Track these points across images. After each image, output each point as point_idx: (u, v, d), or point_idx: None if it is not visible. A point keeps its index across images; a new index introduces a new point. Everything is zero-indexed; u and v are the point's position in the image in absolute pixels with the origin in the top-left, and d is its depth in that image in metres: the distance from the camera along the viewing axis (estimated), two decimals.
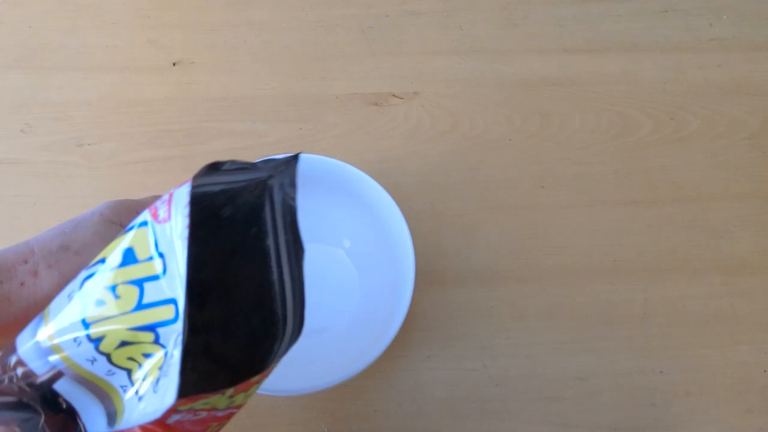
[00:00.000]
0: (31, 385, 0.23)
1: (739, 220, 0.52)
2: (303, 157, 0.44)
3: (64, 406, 0.23)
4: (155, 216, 0.22)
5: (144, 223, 0.22)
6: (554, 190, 0.53)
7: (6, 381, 0.23)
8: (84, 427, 0.23)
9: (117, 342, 0.22)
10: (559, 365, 0.47)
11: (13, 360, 0.23)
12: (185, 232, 0.21)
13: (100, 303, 0.22)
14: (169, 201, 0.22)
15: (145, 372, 0.22)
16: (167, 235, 0.22)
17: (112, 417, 0.23)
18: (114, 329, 0.22)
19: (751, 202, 0.53)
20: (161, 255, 0.22)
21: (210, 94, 0.57)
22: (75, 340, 0.22)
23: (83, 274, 0.23)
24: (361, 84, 0.57)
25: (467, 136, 0.55)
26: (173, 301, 0.21)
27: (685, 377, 0.47)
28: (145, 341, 0.22)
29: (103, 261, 0.23)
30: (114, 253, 0.22)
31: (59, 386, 0.23)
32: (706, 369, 0.47)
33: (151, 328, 0.22)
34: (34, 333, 0.23)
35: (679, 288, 0.50)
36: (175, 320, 0.21)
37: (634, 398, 0.46)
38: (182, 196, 0.22)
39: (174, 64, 0.58)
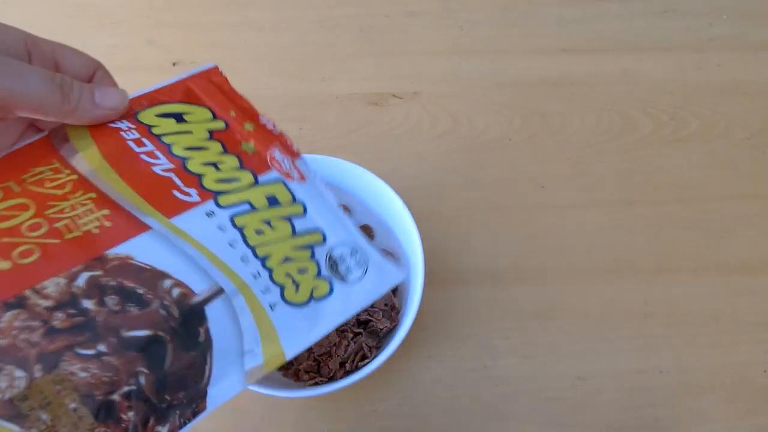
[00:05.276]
0: (181, 305, 0.26)
1: (739, 220, 0.52)
2: (315, 158, 0.45)
3: (201, 338, 0.26)
4: (289, 176, 0.32)
5: (277, 180, 0.32)
6: (554, 190, 0.53)
7: (156, 304, 0.25)
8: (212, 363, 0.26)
9: (282, 258, 0.30)
10: (559, 365, 0.47)
11: (168, 283, 0.26)
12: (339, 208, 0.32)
13: (259, 232, 0.30)
14: (298, 169, 0.33)
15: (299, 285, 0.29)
16: (305, 190, 0.32)
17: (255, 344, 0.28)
18: (280, 246, 0.30)
19: (751, 202, 0.53)
20: (301, 201, 0.31)
21: None
22: (242, 258, 0.29)
23: (229, 212, 0.30)
24: (361, 84, 0.57)
25: (467, 136, 0.55)
26: (320, 229, 0.31)
27: (685, 377, 0.47)
28: (303, 257, 0.30)
29: (249, 203, 0.30)
30: (259, 198, 0.31)
31: (212, 309, 0.26)
32: (706, 369, 0.47)
33: (308, 247, 0.31)
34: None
35: (679, 288, 0.50)
36: (323, 242, 0.31)
37: (634, 398, 0.46)
38: (310, 170, 0.33)
39: (174, 64, 0.58)
